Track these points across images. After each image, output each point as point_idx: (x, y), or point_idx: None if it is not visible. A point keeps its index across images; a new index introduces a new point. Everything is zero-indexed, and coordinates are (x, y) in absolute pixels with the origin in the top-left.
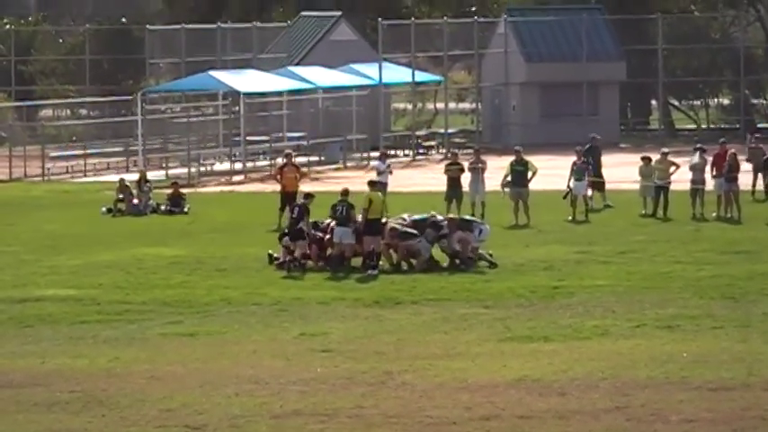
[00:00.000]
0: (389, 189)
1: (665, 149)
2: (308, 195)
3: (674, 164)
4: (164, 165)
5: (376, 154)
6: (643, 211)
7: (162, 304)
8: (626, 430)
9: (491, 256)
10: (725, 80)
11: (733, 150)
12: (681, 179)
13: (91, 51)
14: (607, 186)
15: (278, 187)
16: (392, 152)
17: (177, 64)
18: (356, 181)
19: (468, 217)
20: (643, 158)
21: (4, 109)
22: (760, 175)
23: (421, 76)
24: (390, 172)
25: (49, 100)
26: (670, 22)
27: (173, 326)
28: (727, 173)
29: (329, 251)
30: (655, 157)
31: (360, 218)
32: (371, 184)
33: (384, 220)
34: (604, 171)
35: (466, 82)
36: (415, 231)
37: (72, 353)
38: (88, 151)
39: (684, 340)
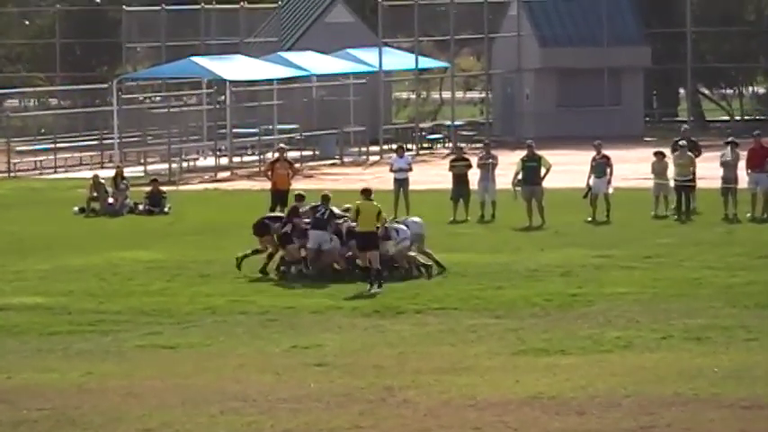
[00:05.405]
0: (412, 187)
1: (683, 142)
2: (299, 197)
3: (693, 161)
4: (142, 160)
5: (375, 148)
6: (653, 213)
7: (139, 313)
8: None
9: (429, 267)
10: (760, 67)
11: None
12: (712, 176)
13: (61, 35)
14: (628, 184)
15: (268, 185)
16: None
17: (157, 48)
18: (353, 178)
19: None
20: (656, 154)
21: None
22: None
23: (425, 63)
24: (410, 169)
25: (14, 88)
26: (699, 2)
27: (151, 337)
28: None
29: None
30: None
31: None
32: (364, 192)
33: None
34: (625, 167)
35: (474, 69)
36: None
37: (41, 367)
38: (58, 145)
39: (715, 353)
